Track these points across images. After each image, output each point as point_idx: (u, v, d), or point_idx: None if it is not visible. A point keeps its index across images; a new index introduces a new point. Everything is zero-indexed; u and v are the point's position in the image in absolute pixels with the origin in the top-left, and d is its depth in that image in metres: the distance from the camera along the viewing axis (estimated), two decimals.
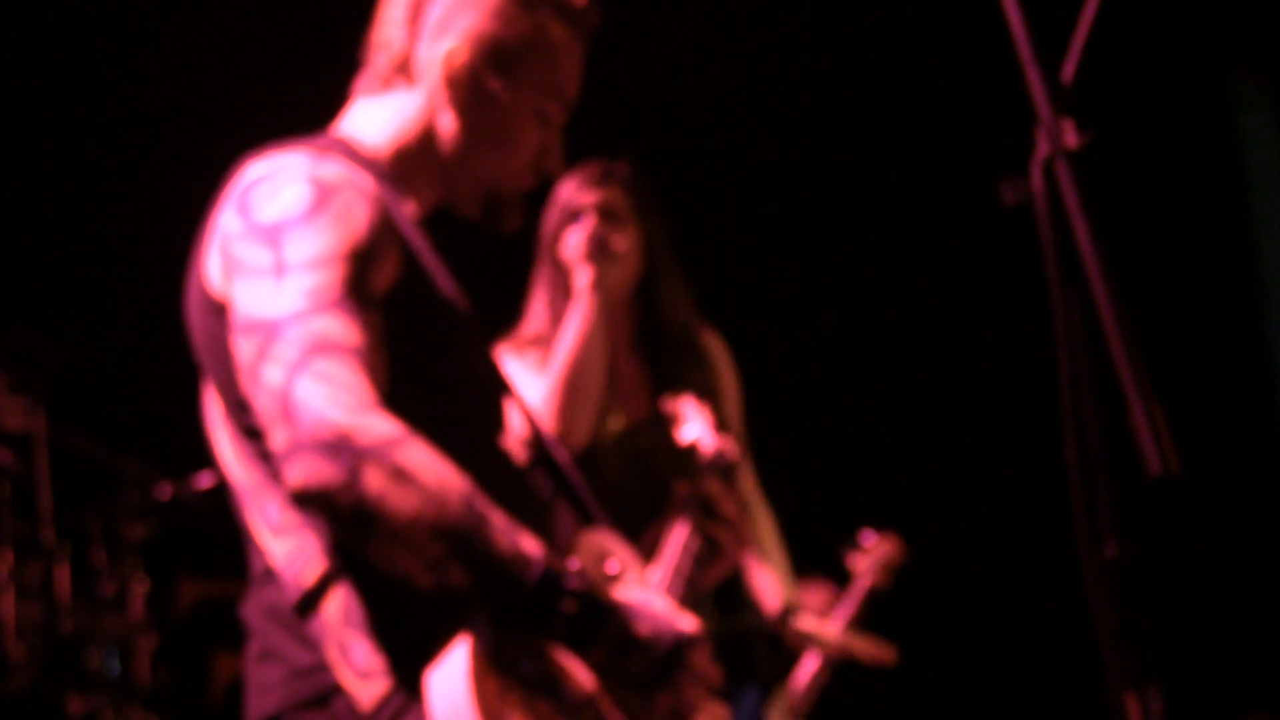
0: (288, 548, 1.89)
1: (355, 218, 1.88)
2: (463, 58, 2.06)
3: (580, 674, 1.82)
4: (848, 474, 5.58)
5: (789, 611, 3.57)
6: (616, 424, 3.29)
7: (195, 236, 1.99)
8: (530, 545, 1.79)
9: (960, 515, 5.54)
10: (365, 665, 1.83)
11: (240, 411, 1.90)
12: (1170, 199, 5.74)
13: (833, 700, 4.06)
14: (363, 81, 2.14)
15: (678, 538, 2.47)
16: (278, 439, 1.76)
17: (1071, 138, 1.60)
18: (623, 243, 3.25)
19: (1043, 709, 5.54)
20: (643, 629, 1.85)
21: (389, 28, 2.11)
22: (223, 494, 2.04)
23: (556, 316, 3.30)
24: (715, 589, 2.96)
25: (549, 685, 1.79)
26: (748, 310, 5.24)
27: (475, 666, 1.73)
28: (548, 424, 3.09)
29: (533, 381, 3.20)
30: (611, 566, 2.05)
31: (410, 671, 1.79)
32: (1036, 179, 1.61)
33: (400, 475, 1.72)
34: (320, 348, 1.77)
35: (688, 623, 1.89)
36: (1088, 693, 2.78)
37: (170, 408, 3.10)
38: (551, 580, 1.78)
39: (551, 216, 3.34)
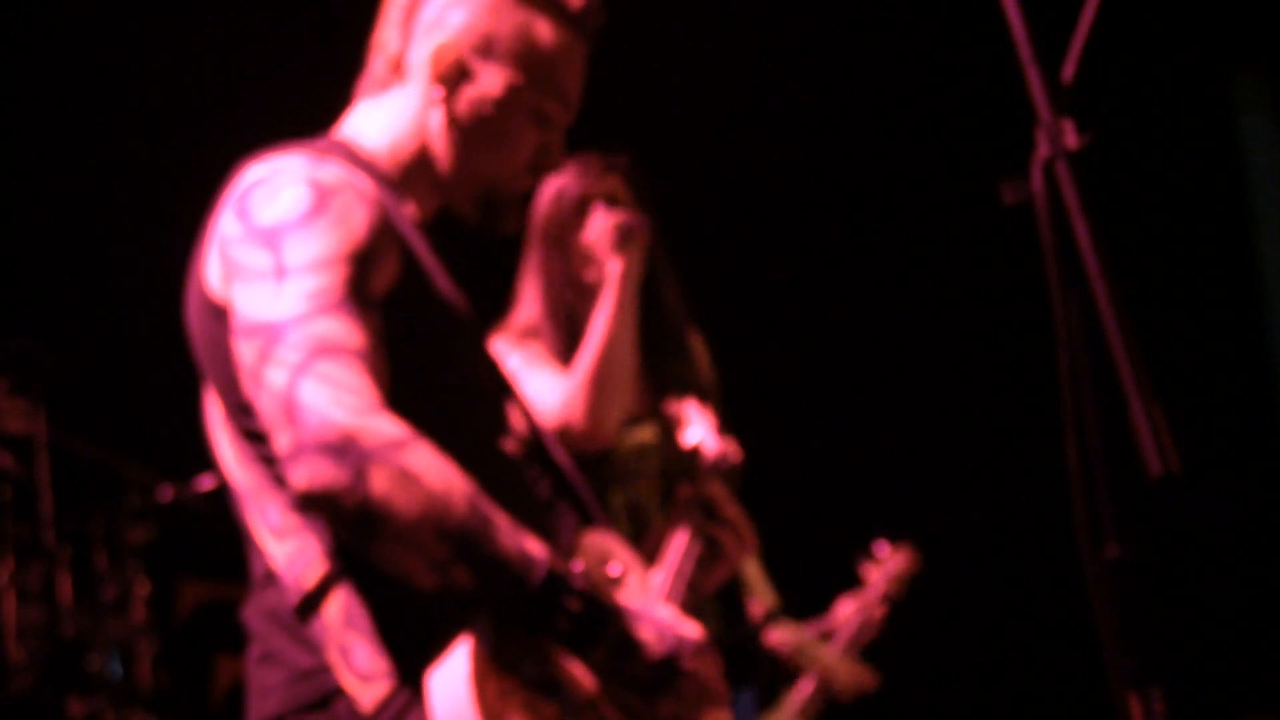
0: (288, 550, 1.89)
1: (354, 220, 1.88)
2: (452, 54, 2.05)
3: (582, 676, 1.82)
4: (847, 474, 5.58)
5: (770, 618, 3.56)
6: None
7: (195, 240, 1.99)
8: (534, 547, 1.79)
9: (960, 515, 5.53)
10: (366, 667, 1.83)
11: (241, 414, 1.90)
12: (1170, 199, 5.73)
13: (833, 700, 4.05)
14: (363, 83, 2.14)
15: (679, 541, 2.47)
16: (281, 442, 1.76)
17: (1072, 138, 1.60)
18: (646, 233, 3.15)
19: (1044, 709, 5.54)
20: (644, 632, 1.85)
21: (386, 29, 2.11)
22: (223, 497, 2.04)
23: (552, 305, 3.21)
24: (717, 592, 2.95)
25: (551, 687, 1.79)
26: (746, 311, 5.25)
27: (476, 668, 1.74)
28: (578, 416, 3.02)
29: (541, 374, 3.14)
30: (613, 569, 2.05)
31: (411, 673, 1.79)
32: (1037, 179, 1.61)
33: (405, 477, 1.72)
34: (322, 350, 1.77)
35: (690, 628, 1.90)
36: (1089, 693, 2.77)
37: (171, 411, 3.09)
38: (555, 581, 1.78)
39: (545, 204, 3.26)
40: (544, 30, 2.08)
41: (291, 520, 1.89)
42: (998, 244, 4.17)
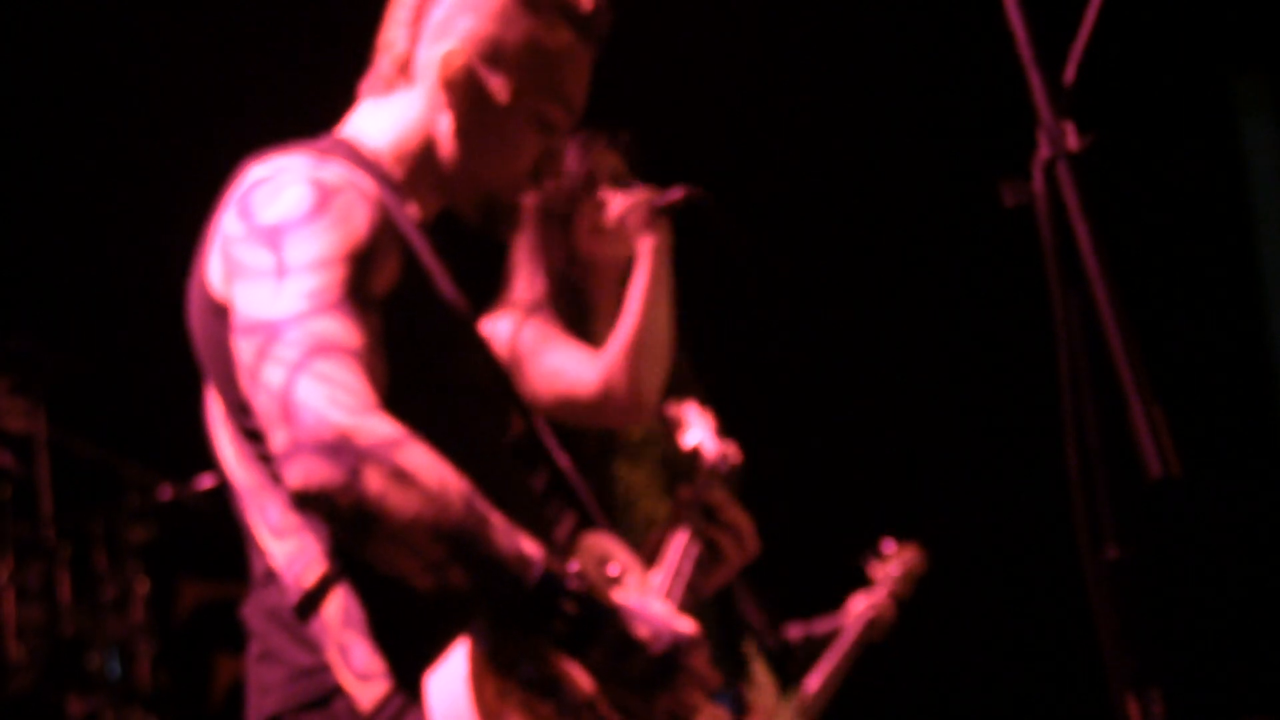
0: (288, 549, 1.89)
1: (356, 220, 1.88)
2: (460, 60, 2.05)
3: (579, 676, 1.82)
4: (846, 476, 5.58)
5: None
6: None
7: (196, 239, 1.99)
8: (530, 547, 1.79)
9: (960, 516, 5.53)
10: (365, 667, 1.83)
11: (241, 413, 1.90)
12: (1171, 201, 5.74)
13: (834, 700, 4.05)
14: (368, 83, 2.14)
15: (679, 542, 2.47)
16: (278, 440, 1.76)
17: (1073, 140, 1.60)
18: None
19: (1044, 710, 5.54)
20: (641, 631, 1.85)
21: (393, 28, 2.11)
22: (223, 496, 2.04)
23: (556, 282, 3.18)
24: (716, 594, 2.94)
25: (548, 687, 1.79)
26: (747, 312, 5.25)
27: (474, 668, 1.74)
28: (621, 386, 2.97)
29: (565, 346, 3.06)
30: (612, 569, 2.05)
31: (410, 673, 1.79)
32: (1038, 181, 1.61)
33: (400, 476, 1.72)
34: (320, 349, 1.77)
35: (686, 625, 1.89)
36: (1089, 694, 2.77)
37: (171, 410, 3.10)
38: (552, 582, 1.78)
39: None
40: (552, 37, 2.08)
41: (291, 519, 1.89)
42: (998, 245, 4.17)
